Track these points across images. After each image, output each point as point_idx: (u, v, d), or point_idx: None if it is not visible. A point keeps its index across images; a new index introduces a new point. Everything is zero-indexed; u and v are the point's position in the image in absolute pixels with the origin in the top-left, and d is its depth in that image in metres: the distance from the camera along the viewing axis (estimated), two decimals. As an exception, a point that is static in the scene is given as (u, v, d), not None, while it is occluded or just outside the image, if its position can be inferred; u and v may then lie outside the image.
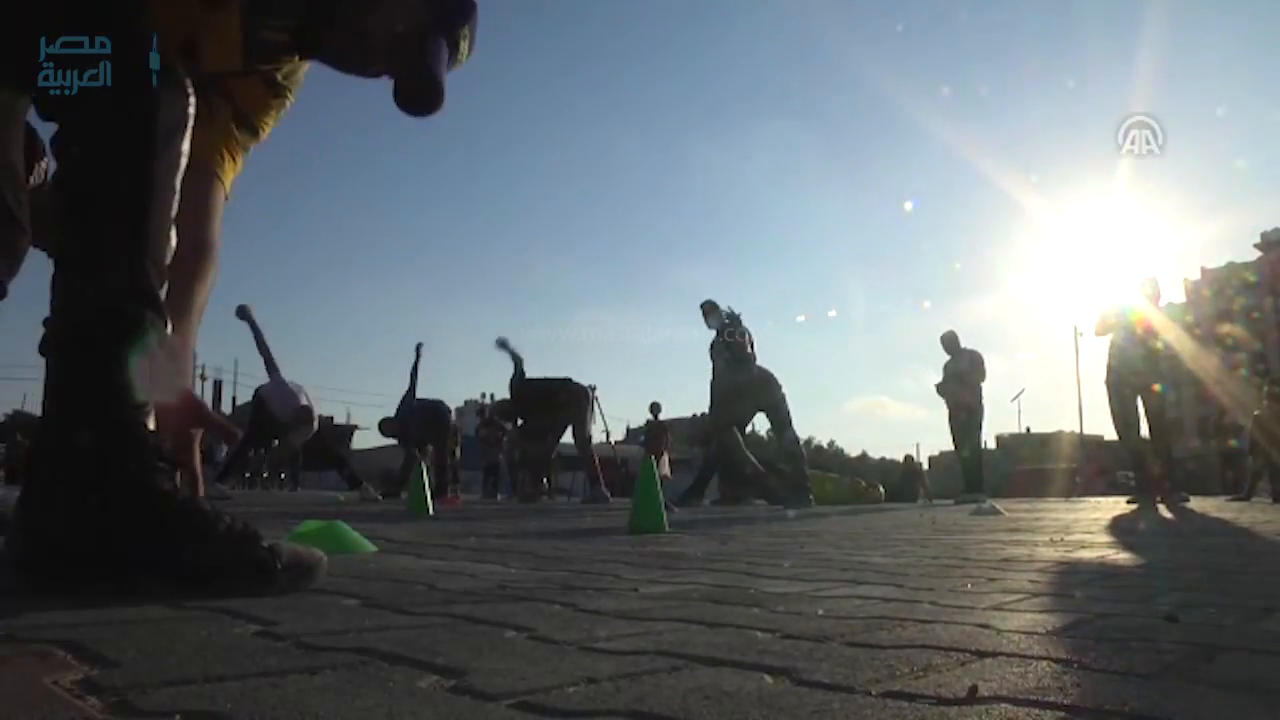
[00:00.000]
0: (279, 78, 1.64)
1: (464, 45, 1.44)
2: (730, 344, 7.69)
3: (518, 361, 8.69)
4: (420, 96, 1.36)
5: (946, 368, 8.93)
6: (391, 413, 9.96)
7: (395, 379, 11.16)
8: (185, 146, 1.23)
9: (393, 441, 10.37)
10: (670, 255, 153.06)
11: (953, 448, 9.22)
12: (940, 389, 8.84)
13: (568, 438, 9.15)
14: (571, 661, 0.77)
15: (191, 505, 1.16)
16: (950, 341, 9.01)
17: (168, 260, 1.22)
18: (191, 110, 1.24)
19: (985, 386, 8.93)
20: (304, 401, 8.18)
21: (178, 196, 1.23)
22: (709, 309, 7.99)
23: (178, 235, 1.28)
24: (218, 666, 0.71)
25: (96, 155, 1.14)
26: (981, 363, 8.89)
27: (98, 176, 1.14)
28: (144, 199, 1.15)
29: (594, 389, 9.06)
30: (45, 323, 1.14)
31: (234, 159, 1.69)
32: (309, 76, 1.70)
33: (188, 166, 1.29)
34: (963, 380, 8.72)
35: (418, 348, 9.65)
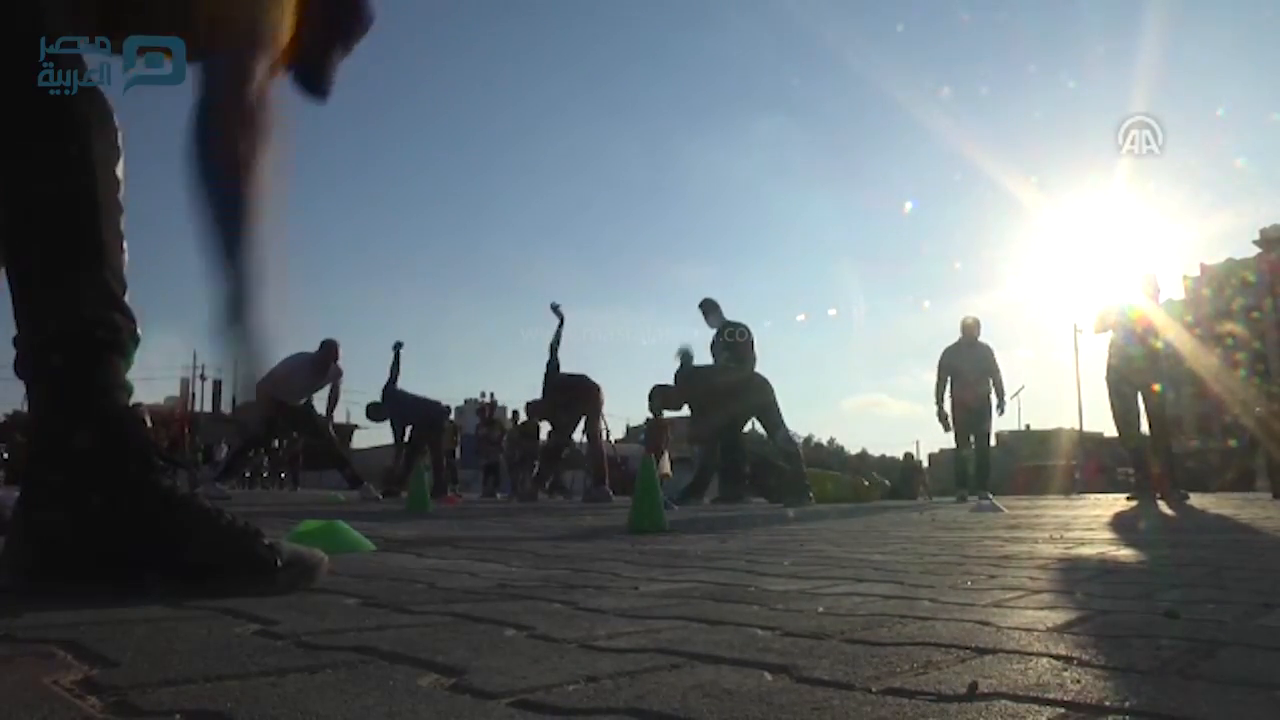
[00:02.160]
0: None
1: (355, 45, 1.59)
2: (731, 344, 7.69)
3: (555, 342, 8.53)
4: (314, 93, 1.54)
5: (944, 362, 8.63)
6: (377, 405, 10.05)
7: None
8: (120, 173, 1.25)
9: (390, 442, 10.42)
10: (669, 254, 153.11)
11: (953, 445, 9.08)
12: (946, 385, 8.60)
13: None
14: (572, 660, 0.77)
15: (192, 504, 1.16)
16: (967, 329, 8.56)
17: (124, 270, 1.23)
18: (120, 141, 1.27)
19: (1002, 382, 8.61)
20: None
21: (125, 213, 1.25)
22: (709, 308, 7.98)
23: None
24: (218, 666, 0.71)
25: (39, 176, 1.15)
26: (988, 359, 8.58)
27: (43, 196, 1.15)
28: (93, 211, 1.17)
29: (599, 387, 9.05)
30: (15, 342, 1.14)
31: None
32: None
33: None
34: (963, 379, 8.61)
35: (396, 347, 9.72)
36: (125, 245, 1.25)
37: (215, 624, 0.92)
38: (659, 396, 7.84)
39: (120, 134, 1.30)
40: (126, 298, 1.21)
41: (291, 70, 1.47)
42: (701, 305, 8.03)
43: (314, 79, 1.52)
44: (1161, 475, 6.79)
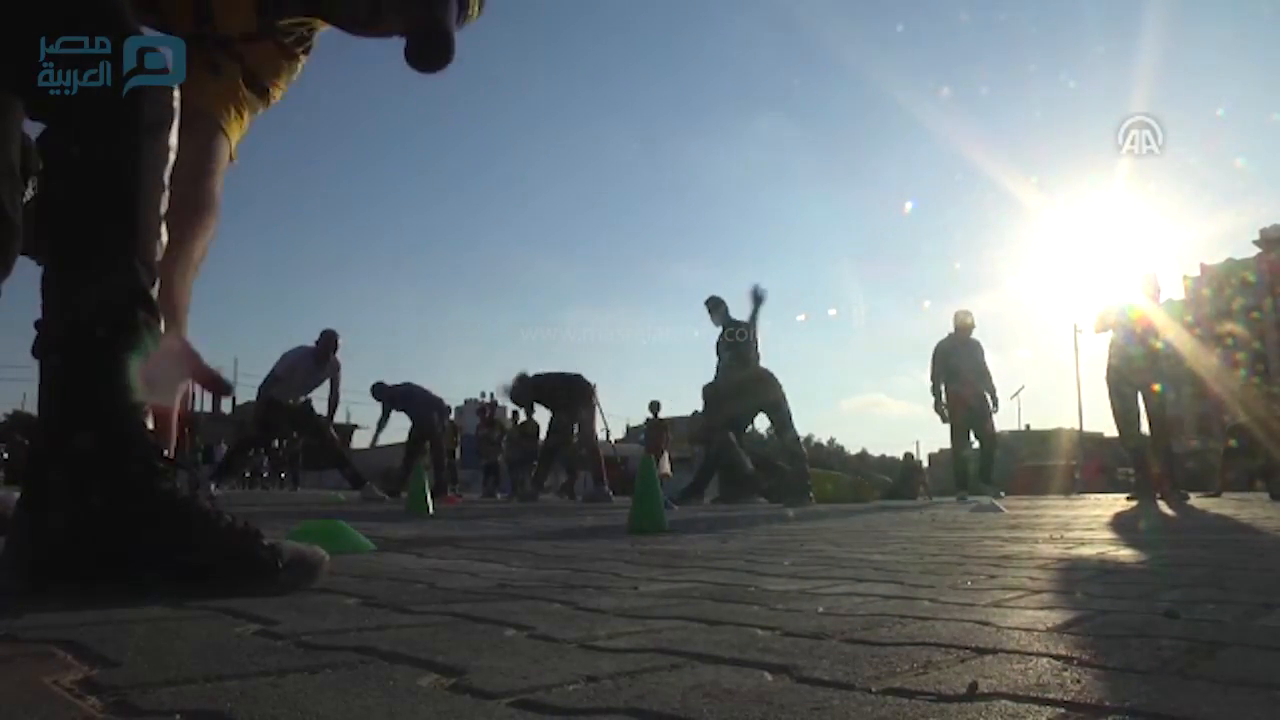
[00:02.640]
0: (289, 41, 1.63)
1: (474, 2, 1.45)
2: (733, 344, 7.70)
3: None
4: (431, 52, 1.36)
5: (940, 356, 8.51)
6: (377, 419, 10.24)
7: (393, 378, 11.28)
8: (173, 141, 1.22)
9: (392, 441, 10.51)
10: (668, 254, 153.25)
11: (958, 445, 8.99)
12: (948, 385, 8.50)
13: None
14: (572, 660, 0.77)
15: (192, 505, 1.16)
16: (963, 326, 8.48)
17: (158, 257, 1.22)
18: (176, 104, 1.23)
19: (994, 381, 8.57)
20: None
21: (167, 192, 1.22)
22: (714, 305, 7.99)
23: (180, 187, 1.26)
24: (218, 666, 0.71)
25: (83, 156, 1.14)
26: (981, 357, 8.53)
27: (84, 178, 1.14)
28: (131, 199, 1.15)
29: (594, 387, 9.07)
30: (37, 325, 1.14)
31: (241, 116, 1.67)
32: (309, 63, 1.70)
33: (192, 118, 1.27)
34: (962, 377, 8.56)
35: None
36: (164, 229, 1.22)
37: (215, 624, 0.92)
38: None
39: (176, 93, 1.23)
40: (155, 290, 1.19)
41: (406, 38, 1.36)
42: (707, 302, 8.05)
43: (430, 41, 1.36)
44: (1161, 475, 6.79)
